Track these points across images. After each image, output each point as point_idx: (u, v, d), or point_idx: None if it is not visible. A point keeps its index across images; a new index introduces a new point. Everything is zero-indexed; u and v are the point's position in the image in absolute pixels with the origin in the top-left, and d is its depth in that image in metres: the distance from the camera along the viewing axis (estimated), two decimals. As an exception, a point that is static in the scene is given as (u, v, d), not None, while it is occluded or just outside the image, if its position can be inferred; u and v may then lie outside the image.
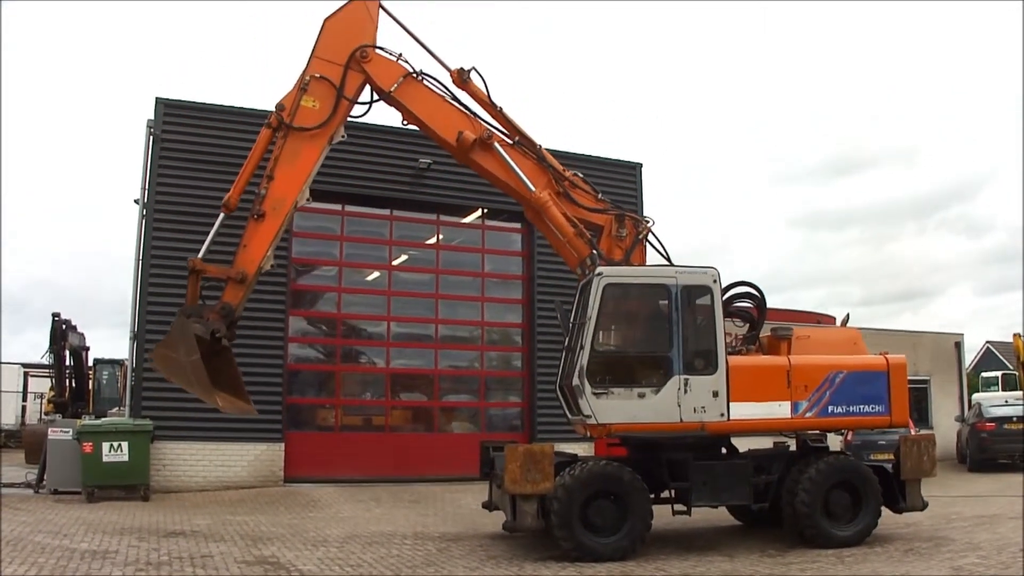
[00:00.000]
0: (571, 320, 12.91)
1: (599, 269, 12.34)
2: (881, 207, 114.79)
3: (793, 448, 13.40)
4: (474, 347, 23.25)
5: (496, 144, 13.45)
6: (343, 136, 13.79)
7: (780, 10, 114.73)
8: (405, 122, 14.00)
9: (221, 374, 12.99)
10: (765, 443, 14.14)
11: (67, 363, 30.50)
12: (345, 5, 13.75)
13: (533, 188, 13.31)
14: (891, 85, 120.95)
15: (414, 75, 13.60)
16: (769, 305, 13.53)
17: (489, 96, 13.86)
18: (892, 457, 13.44)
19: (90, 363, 31.85)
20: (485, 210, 22.77)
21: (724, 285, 12.77)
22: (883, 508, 12.68)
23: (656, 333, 12.61)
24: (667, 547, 12.20)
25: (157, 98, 20.07)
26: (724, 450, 12.97)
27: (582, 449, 16.27)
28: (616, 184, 23.80)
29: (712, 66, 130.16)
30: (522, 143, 13.76)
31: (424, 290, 22.70)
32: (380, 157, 21.44)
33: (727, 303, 13.01)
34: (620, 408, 11.98)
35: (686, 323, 12.23)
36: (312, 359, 22.20)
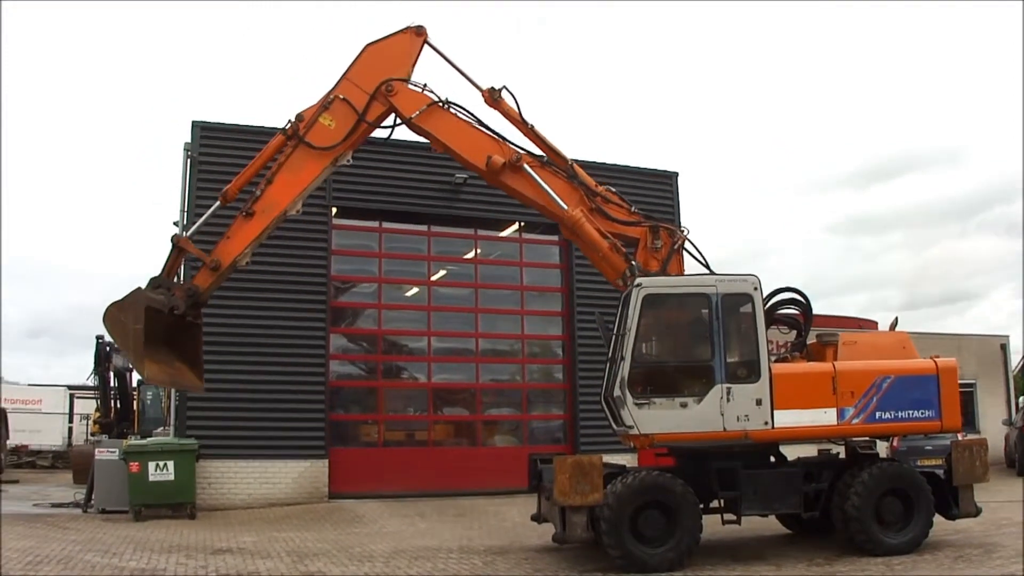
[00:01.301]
0: (612, 331, 12.86)
1: (638, 280, 12.30)
2: (922, 210, 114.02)
3: (842, 455, 13.27)
4: (515, 360, 23.21)
5: (526, 166, 13.44)
6: (349, 161, 14.04)
7: (817, 13, 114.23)
8: (434, 149, 14.10)
9: (185, 348, 13.42)
10: (811, 451, 14.02)
11: (112, 384, 30.71)
12: (391, 35, 13.96)
13: (565, 207, 13.27)
14: (930, 87, 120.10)
15: (440, 103, 13.68)
16: (814, 312, 13.41)
17: (520, 114, 13.87)
18: (940, 463, 13.27)
19: (134, 384, 32.04)
20: (522, 223, 22.71)
21: (767, 292, 12.70)
22: (936, 516, 12.50)
23: (697, 342, 12.55)
24: (714, 556, 12.09)
25: (194, 121, 20.33)
26: (773, 458, 12.88)
27: (627, 460, 16.18)
28: (652, 194, 23.79)
29: (748, 72, 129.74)
30: (552, 161, 13.73)
31: (464, 304, 22.70)
32: (416, 173, 21.50)
33: (771, 310, 12.92)
34: (662, 418, 11.91)
35: (727, 331, 12.16)
36: (354, 375, 22.24)
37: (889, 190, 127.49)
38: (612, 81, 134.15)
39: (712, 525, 12.28)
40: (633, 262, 12.96)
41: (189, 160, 20.17)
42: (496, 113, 13.96)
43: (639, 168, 24.19)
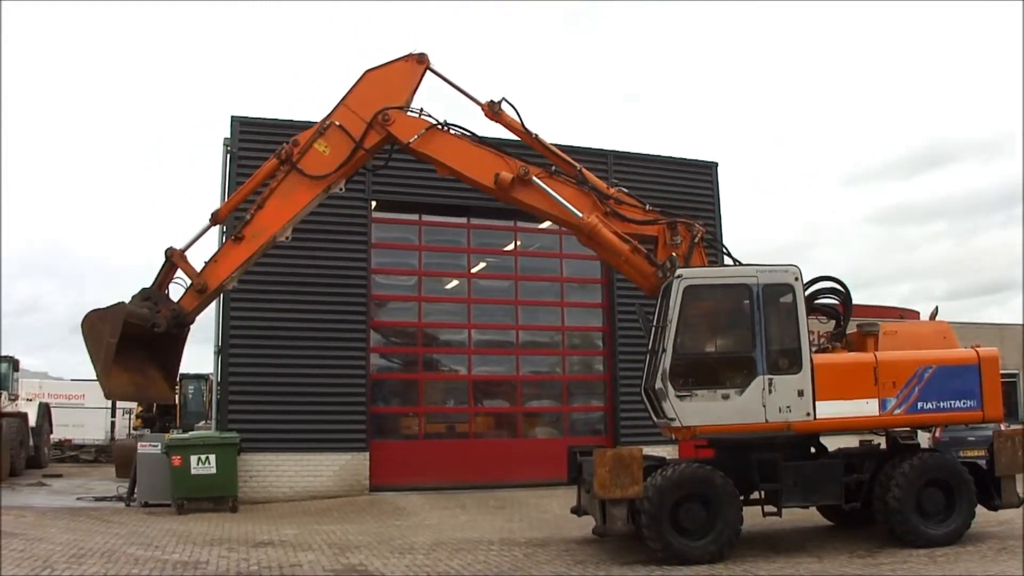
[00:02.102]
0: (652, 323, 12.79)
1: (679, 271, 12.21)
2: (966, 199, 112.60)
3: (883, 446, 13.16)
4: (555, 352, 23.20)
5: (535, 178, 13.04)
6: (342, 189, 13.59)
7: (858, 6, 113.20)
8: (439, 174, 13.87)
9: (164, 356, 13.07)
10: (852, 442, 13.92)
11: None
12: (391, 62, 13.59)
13: (580, 214, 12.91)
14: (974, 74, 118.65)
15: (439, 126, 13.33)
16: (855, 302, 13.31)
17: (523, 124, 13.61)
18: (983, 453, 13.14)
19: (176, 378, 32.27)
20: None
21: (805, 281, 12.61)
22: (977, 506, 12.37)
23: (738, 333, 12.44)
24: (754, 548, 12.02)
25: (232, 116, 20.44)
26: (813, 449, 12.79)
27: (667, 452, 16.16)
28: (692, 184, 23.73)
29: (787, 61, 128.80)
30: (560, 169, 13.47)
31: (504, 296, 22.73)
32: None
33: (810, 299, 12.82)
34: (704, 410, 11.85)
35: (768, 322, 12.06)
36: (395, 368, 22.31)
37: (933, 180, 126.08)
38: (653, 70, 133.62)
39: (752, 517, 12.18)
40: (673, 254, 12.82)
41: (228, 155, 20.28)
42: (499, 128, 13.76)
43: (679, 159, 24.12)
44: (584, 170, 13.46)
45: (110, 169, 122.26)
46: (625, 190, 13.68)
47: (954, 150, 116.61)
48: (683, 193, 23.46)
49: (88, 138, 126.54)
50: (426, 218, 22.00)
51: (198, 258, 12.86)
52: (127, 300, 12.52)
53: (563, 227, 13.77)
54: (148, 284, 12.78)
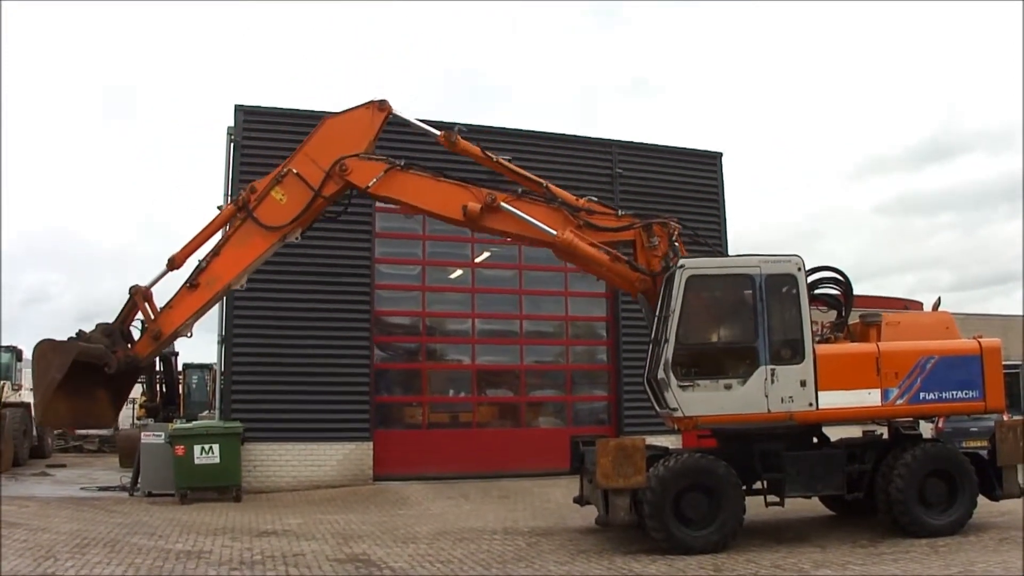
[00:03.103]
0: (655, 313, 12.78)
1: (681, 261, 12.21)
2: (973, 191, 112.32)
3: (886, 436, 13.16)
4: (559, 342, 23.21)
5: (503, 203, 12.93)
6: (297, 239, 13.52)
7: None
8: (406, 216, 13.76)
9: (117, 383, 13.20)
10: (855, 432, 13.92)
11: (157, 369, 30.95)
12: (352, 109, 13.56)
13: (554, 232, 12.81)
14: (981, 66, 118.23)
15: (398, 167, 13.18)
16: (856, 292, 13.29)
17: (483, 150, 13.68)
18: (985, 444, 13.13)
19: (179, 368, 32.31)
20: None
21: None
22: (979, 497, 12.38)
23: (741, 324, 12.45)
24: (756, 538, 12.03)
25: (236, 105, 20.40)
26: (815, 440, 12.79)
27: (670, 442, 16.17)
28: (696, 175, 23.68)
29: (796, 53, 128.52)
30: (527, 189, 13.39)
31: (507, 286, 22.69)
32: (457, 154, 21.44)
33: (810, 289, 12.82)
34: (707, 400, 11.87)
35: (771, 312, 12.05)
36: (398, 358, 22.29)
37: (942, 171, 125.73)
38: (660, 57, 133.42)
39: (755, 507, 12.21)
40: (669, 253, 12.81)
41: (232, 144, 20.25)
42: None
43: (683, 149, 24.11)
44: (551, 186, 13.43)
45: (114, 162, 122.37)
46: (595, 199, 13.68)
47: (964, 141, 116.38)
48: (687, 183, 23.45)
49: (87, 135, 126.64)
50: (430, 207, 21.92)
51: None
52: (89, 330, 12.81)
53: (540, 247, 13.69)
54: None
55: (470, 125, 13.93)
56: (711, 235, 23.08)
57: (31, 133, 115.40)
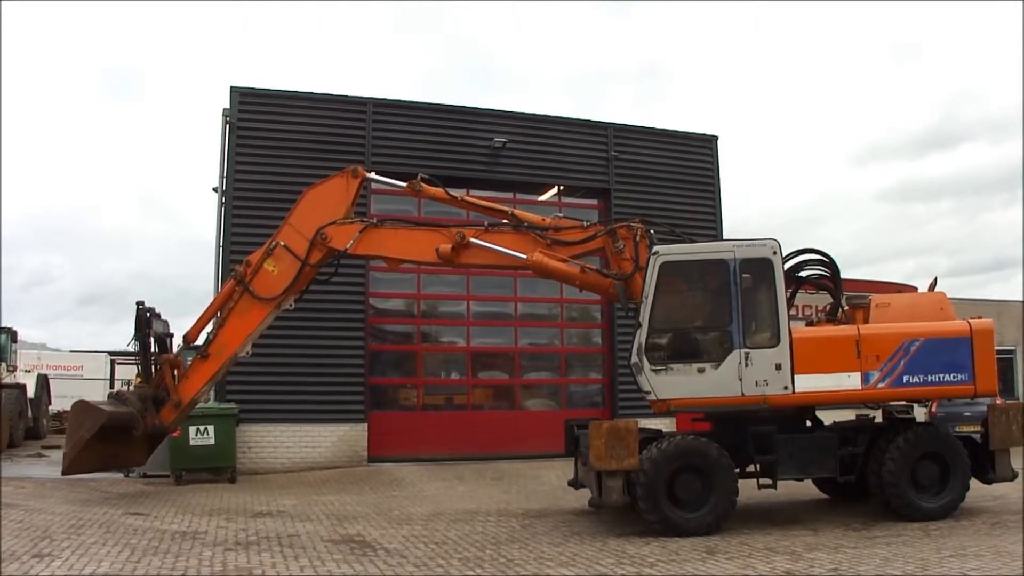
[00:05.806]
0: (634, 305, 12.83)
1: (655, 248, 12.36)
2: (974, 177, 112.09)
3: (879, 420, 13.19)
4: (554, 324, 23.24)
5: (472, 239, 13.60)
6: (291, 306, 14.71)
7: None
8: (390, 268, 14.69)
9: (147, 440, 14.84)
10: (849, 416, 13.92)
11: (152, 350, 30.87)
12: (329, 179, 14.54)
13: (524, 256, 13.37)
14: (983, 55, 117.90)
15: (372, 224, 14.16)
16: (854, 277, 13.25)
17: (447, 192, 14.57)
18: (979, 429, 13.13)
19: (175, 350, 32.28)
20: (561, 187, 22.64)
21: (789, 252, 12.67)
22: (972, 480, 12.40)
23: (715, 308, 12.48)
24: (750, 521, 12.09)
25: (232, 87, 20.37)
26: (808, 423, 12.83)
27: (664, 424, 16.22)
28: (692, 158, 23.68)
29: (799, 40, 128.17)
30: (495, 220, 14.15)
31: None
32: (455, 137, 21.51)
33: (793, 272, 12.85)
34: (679, 383, 11.98)
35: (746, 297, 12.08)
36: (393, 340, 22.33)
37: (943, 158, 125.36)
38: (657, 39, 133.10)
39: (748, 489, 12.28)
40: (646, 250, 12.94)
41: (228, 126, 20.24)
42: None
43: (678, 132, 24.09)
44: (516, 211, 14.27)
45: (114, 143, 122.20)
46: (560, 214, 14.57)
47: (965, 129, 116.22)
48: (683, 167, 23.44)
49: (88, 117, 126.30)
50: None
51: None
52: (129, 388, 15.01)
53: (513, 272, 14.22)
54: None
55: (432, 176, 14.95)
56: (707, 218, 23.18)
57: (31, 116, 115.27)
